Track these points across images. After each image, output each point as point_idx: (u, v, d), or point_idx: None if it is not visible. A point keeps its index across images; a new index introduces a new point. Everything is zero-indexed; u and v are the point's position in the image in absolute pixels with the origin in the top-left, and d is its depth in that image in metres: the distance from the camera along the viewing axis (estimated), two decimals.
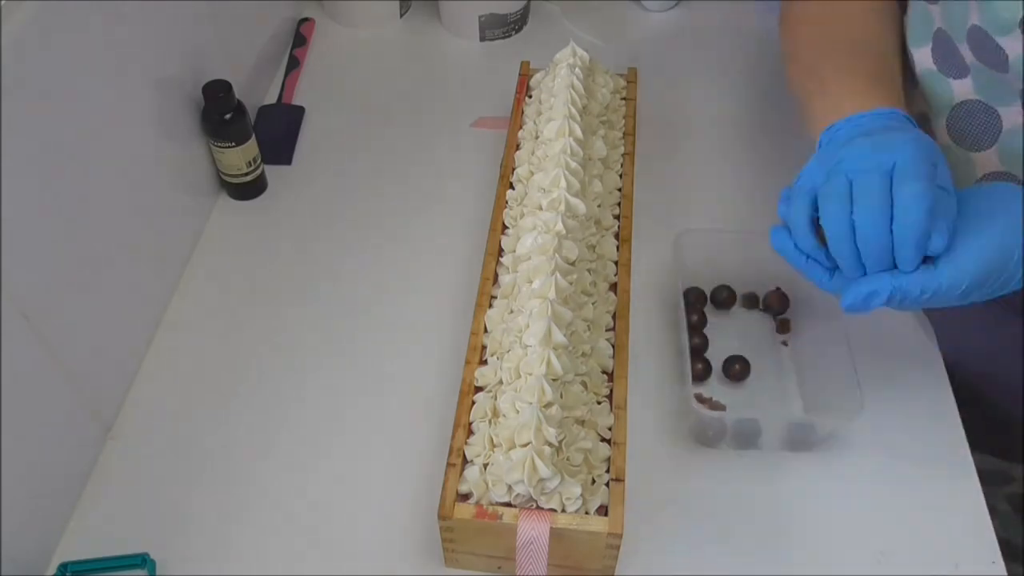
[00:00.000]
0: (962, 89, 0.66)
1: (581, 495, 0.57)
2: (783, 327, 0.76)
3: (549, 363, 0.60)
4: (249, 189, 0.87)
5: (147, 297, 0.77)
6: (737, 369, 0.72)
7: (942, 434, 0.70)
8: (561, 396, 0.60)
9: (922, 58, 0.69)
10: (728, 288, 0.77)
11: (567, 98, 0.77)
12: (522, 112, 0.84)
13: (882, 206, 0.53)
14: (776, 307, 0.77)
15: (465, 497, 0.58)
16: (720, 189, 0.88)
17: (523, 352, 0.61)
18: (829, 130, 0.62)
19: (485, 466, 0.58)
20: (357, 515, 0.66)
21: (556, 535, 0.57)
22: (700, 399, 0.71)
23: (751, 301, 0.78)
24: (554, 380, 0.59)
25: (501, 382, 0.62)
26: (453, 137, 0.94)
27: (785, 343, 0.76)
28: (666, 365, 0.74)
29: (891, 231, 0.53)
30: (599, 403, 0.63)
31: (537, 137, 0.79)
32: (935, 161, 0.55)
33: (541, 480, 0.55)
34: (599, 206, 0.75)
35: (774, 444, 0.69)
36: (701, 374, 0.72)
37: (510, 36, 1.06)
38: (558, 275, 0.64)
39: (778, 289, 0.77)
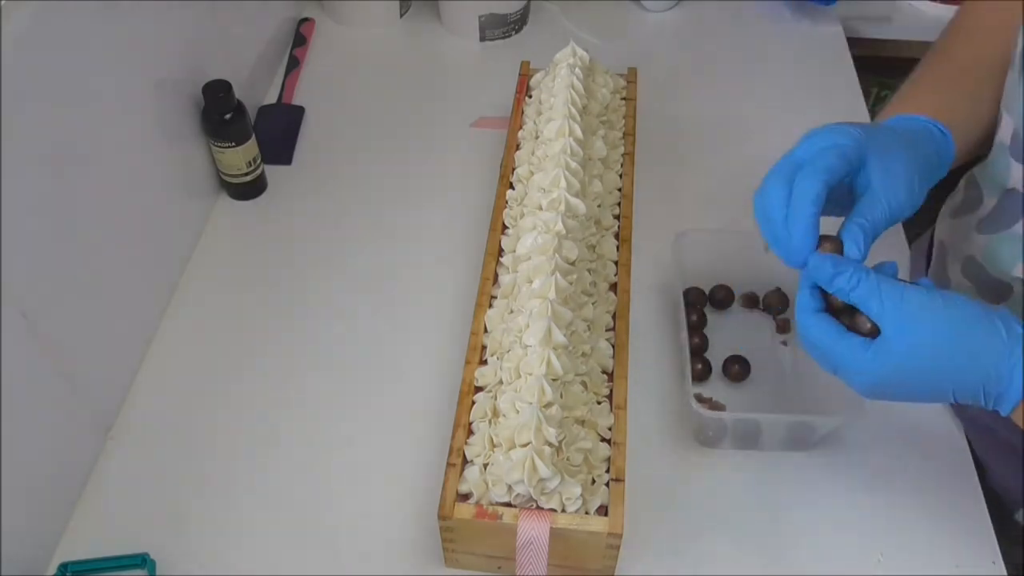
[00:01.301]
0: (1018, 175, 0.62)
1: (581, 495, 0.57)
2: (783, 327, 0.76)
3: (549, 363, 0.60)
4: (249, 189, 0.87)
5: (147, 297, 0.77)
6: (737, 369, 0.72)
7: (942, 434, 0.70)
8: (561, 396, 0.60)
9: (1003, 128, 0.63)
10: (727, 288, 0.77)
11: (567, 98, 0.77)
12: (522, 112, 0.84)
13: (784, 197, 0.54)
14: (776, 307, 0.77)
15: (465, 497, 0.58)
16: (720, 189, 0.88)
17: (523, 352, 0.61)
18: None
19: (485, 466, 0.58)
20: (357, 515, 0.66)
21: (556, 535, 0.57)
22: (700, 399, 0.71)
23: (751, 301, 0.78)
24: (554, 380, 0.59)
25: (501, 382, 0.62)
26: (453, 137, 0.94)
27: (785, 343, 0.76)
28: (666, 365, 0.74)
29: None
30: (599, 403, 0.63)
31: (537, 137, 0.79)
32: (861, 156, 0.54)
33: (541, 480, 0.55)
34: (599, 206, 0.75)
35: (774, 444, 0.69)
36: (701, 374, 0.72)
37: (510, 36, 1.06)
38: (558, 275, 0.64)
39: (778, 289, 0.77)
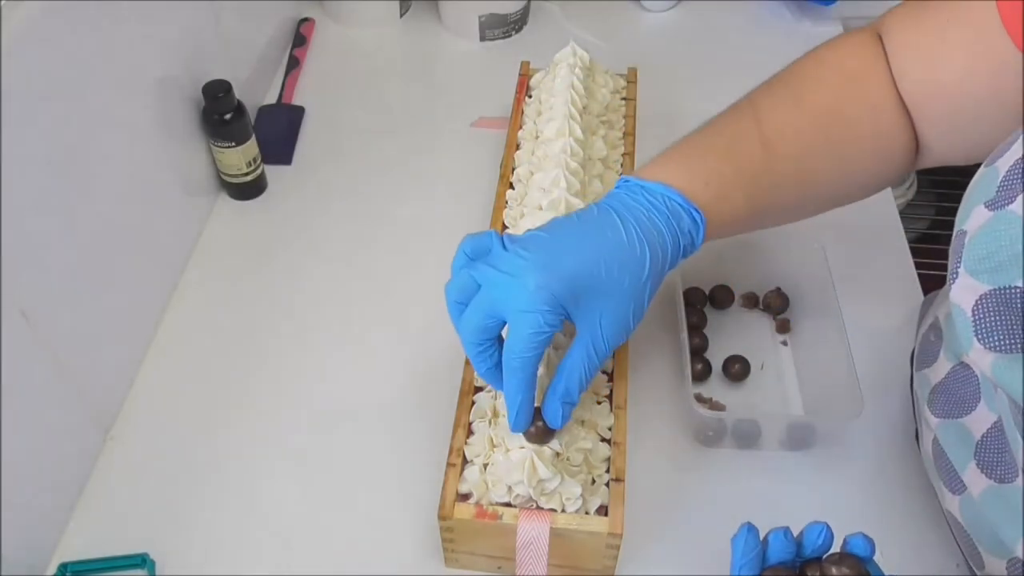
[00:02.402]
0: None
1: (581, 495, 0.57)
2: (783, 327, 0.76)
3: (549, 363, 0.59)
4: (249, 189, 0.87)
5: (147, 297, 0.77)
6: (737, 369, 0.72)
7: None
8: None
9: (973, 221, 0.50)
10: (727, 288, 0.77)
11: (567, 98, 0.77)
12: (522, 112, 0.84)
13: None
14: (776, 307, 0.77)
15: (465, 497, 0.58)
16: None
17: None
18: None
19: (485, 466, 0.58)
20: (357, 515, 0.66)
21: (556, 535, 0.57)
22: (700, 399, 0.71)
23: (751, 301, 0.78)
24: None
25: None
26: (453, 137, 0.94)
27: (785, 343, 0.76)
28: (666, 365, 0.74)
29: None
30: (599, 403, 0.63)
31: (537, 137, 0.79)
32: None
33: (541, 481, 0.55)
34: None
35: (774, 444, 0.69)
36: (701, 374, 0.72)
37: (510, 36, 1.06)
38: None
39: (778, 289, 0.77)
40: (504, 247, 0.55)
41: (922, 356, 0.61)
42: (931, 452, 0.58)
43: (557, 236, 0.55)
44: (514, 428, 0.55)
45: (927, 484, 0.67)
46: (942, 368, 0.56)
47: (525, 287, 0.51)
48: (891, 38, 0.61)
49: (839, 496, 0.66)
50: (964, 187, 0.50)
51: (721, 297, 0.77)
